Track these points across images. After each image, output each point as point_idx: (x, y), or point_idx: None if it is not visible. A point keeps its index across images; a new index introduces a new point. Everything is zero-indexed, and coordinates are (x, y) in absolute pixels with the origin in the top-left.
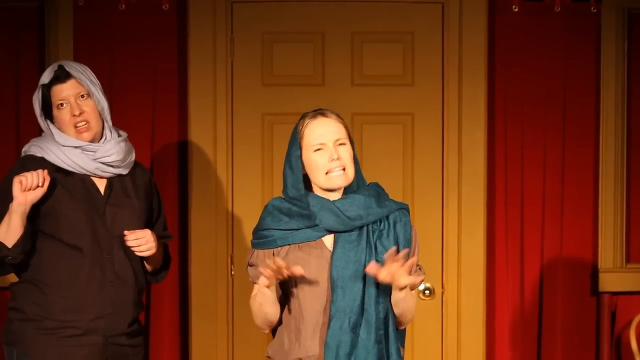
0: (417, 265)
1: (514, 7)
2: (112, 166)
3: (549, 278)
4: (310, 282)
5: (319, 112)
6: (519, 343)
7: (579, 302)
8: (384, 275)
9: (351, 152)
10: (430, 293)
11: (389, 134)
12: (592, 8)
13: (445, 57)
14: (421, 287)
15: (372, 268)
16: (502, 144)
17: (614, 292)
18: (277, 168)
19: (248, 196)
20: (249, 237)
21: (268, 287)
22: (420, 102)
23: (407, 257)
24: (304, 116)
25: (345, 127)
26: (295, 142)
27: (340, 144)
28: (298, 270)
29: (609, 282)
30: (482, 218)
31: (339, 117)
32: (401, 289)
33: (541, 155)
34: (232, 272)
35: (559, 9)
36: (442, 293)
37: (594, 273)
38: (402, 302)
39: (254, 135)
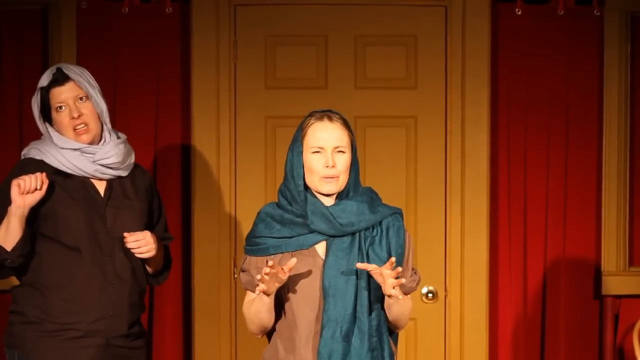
0: (413, 269)
1: (517, 10)
2: (111, 168)
3: (552, 281)
4: (302, 290)
5: (326, 114)
6: (522, 346)
7: (582, 306)
8: (374, 271)
9: (348, 160)
10: (433, 296)
11: (392, 137)
12: (595, 11)
13: (448, 60)
14: (424, 290)
15: (361, 264)
16: (505, 147)
17: (617, 295)
18: (280, 171)
19: (251, 199)
20: None
21: (268, 294)
22: (423, 105)
23: (400, 271)
24: (311, 114)
25: (350, 133)
26: (298, 137)
27: (339, 152)
28: (291, 262)
29: (612, 285)
30: (485, 221)
31: (345, 122)
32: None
33: (544, 158)
34: (235, 275)
35: (562, 12)
36: (445, 296)
37: (597, 276)
38: (393, 306)
39: (256, 138)
